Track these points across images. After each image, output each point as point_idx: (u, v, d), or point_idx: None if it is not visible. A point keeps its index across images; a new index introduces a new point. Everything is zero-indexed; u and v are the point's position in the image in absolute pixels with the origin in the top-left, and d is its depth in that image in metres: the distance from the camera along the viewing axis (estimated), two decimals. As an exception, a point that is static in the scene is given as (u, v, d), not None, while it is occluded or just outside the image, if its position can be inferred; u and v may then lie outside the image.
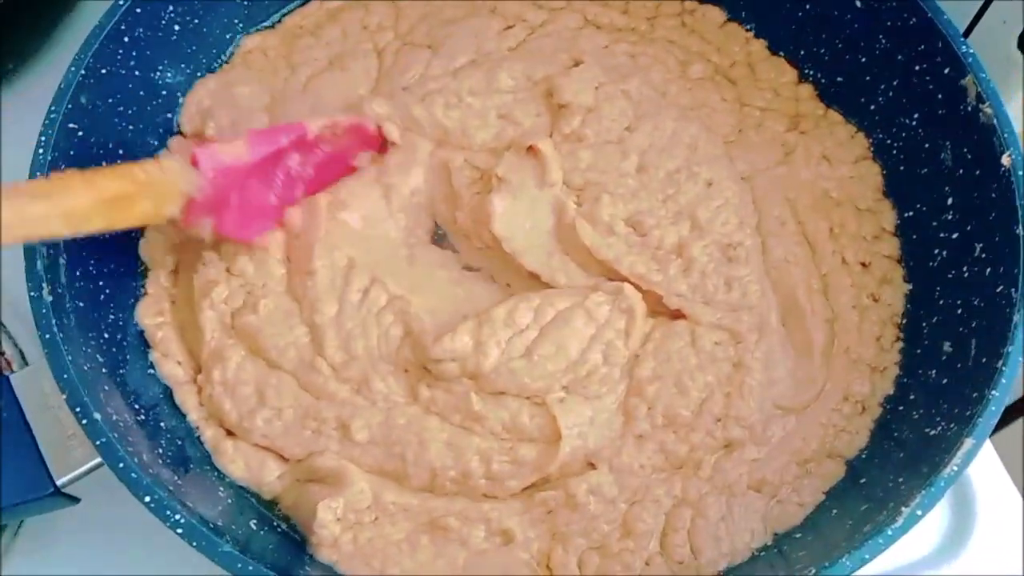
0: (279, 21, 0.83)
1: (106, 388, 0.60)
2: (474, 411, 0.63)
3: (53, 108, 0.64)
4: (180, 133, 0.76)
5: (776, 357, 0.67)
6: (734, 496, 0.62)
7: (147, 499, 0.53)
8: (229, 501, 0.62)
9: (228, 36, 0.80)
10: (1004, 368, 0.57)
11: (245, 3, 0.80)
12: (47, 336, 0.57)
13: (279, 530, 0.63)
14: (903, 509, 0.53)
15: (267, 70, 0.80)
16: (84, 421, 0.55)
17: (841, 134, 0.77)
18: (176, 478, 0.59)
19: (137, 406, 0.63)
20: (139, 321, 0.68)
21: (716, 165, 0.74)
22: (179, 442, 0.64)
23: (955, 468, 0.54)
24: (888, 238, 0.72)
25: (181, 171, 0.61)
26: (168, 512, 0.52)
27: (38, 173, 0.61)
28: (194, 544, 0.52)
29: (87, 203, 0.54)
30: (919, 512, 0.53)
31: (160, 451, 0.61)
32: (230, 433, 0.66)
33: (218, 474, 0.65)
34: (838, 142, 0.76)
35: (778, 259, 0.71)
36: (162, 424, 0.64)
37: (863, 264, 0.72)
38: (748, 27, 0.82)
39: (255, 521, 0.62)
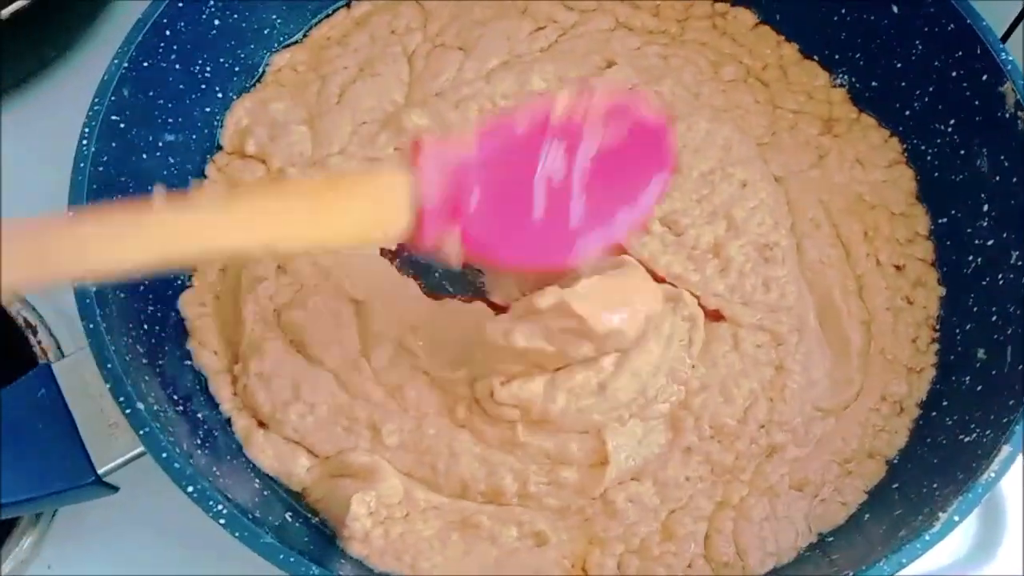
0: (307, 35, 0.83)
1: (146, 378, 0.60)
2: (519, 442, 0.63)
3: (97, 100, 0.64)
4: (220, 148, 0.77)
5: (815, 358, 0.67)
6: (777, 496, 0.62)
7: (190, 489, 0.53)
8: (265, 492, 0.63)
9: (266, 32, 0.81)
10: (1041, 376, 0.57)
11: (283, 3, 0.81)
12: (91, 326, 0.57)
13: (312, 523, 0.64)
14: (940, 515, 0.53)
15: (299, 85, 0.80)
16: (128, 411, 0.55)
17: (874, 138, 0.77)
18: (214, 468, 0.59)
19: (176, 396, 0.63)
20: (181, 310, 0.69)
21: (750, 166, 0.74)
22: (215, 433, 0.65)
23: (992, 475, 0.54)
24: (922, 241, 0.72)
25: (401, 178, 0.52)
26: (211, 502, 0.53)
27: (82, 164, 0.62)
28: (236, 534, 0.52)
29: (295, 221, 0.49)
30: (956, 518, 0.53)
31: (198, 441, 0.61)
32: (261, 424, 0.66)
33: (251, 466, 0.65)
34: (871, 146, 0.76)
35: (813, 260, 0.71)
36: (199, 415, 0.65)
37: (897, 267, 0.72)
38: (780, 30, 0.82)
39: (290, 514, 0.63)
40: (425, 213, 0.52)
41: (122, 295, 0.63)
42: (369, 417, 0.64)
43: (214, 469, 0.59)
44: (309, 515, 0.64)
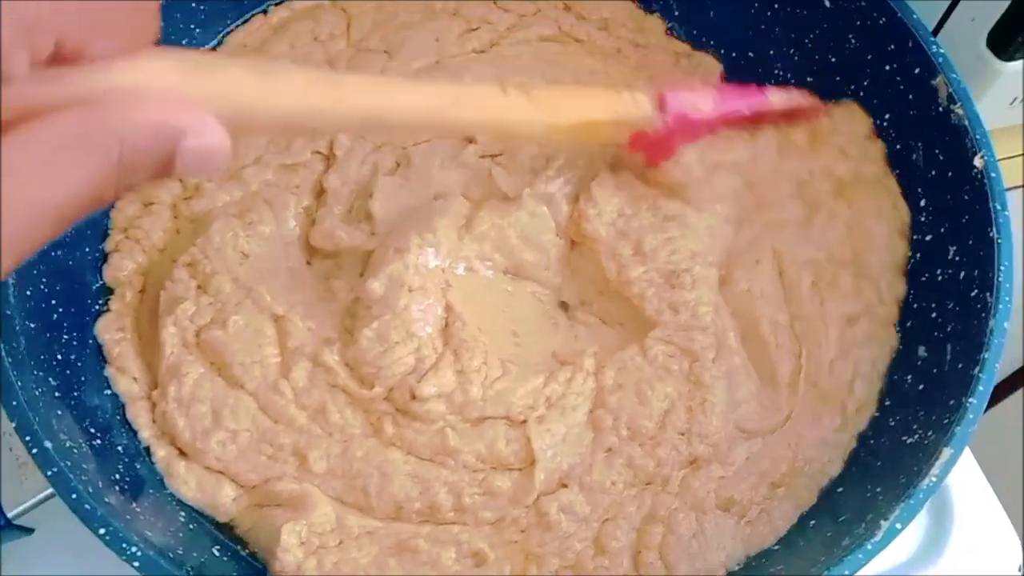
0: (221, 43, 0.80)
1: (59, 412, 0.58)
2: (450, 447, 0.61)
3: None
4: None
5: (739, 379, 0.65)
6: (704, 513, 0.61)
7: (101, 531, 0.50)
8: (191, 527, 0.60)
9: (183, 43, 0.78)
10: (981, 375, 0.56)
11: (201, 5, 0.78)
12: (-9, 362, 0.55)
13: (242, 555, 0.61)
14: (882, 522, 0.52)
15: None
16: (34, 450, 0.52)
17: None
18: (134, 504, 0.57)
19: (92, 429, 0.60)
20: (99, 336, 0.66)
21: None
22: (136, 465, 0.62)
23: (934, 479, 0.53)
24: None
25: (649, 108, 0.63)
26: (124, 544, 0.50)
27: None
28: (151, 577, 0.50)
29: (571, 121, 0.59)
30: (898, 525, 0.52)
31: (117, 476, 0.58)
32: (182, 454, 0.63)
33: (176, 499, 0.62)
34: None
35: (741, 290, 0.69)
36: (118, 447, 0.62)
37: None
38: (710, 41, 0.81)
39: (218, 547, 0.60)
40: (640, 137, 0.64)
41: (32, 326, 0.60)
42: (294, 443, 0.62)
43: (133, 506, 0.57)
44: (238, 547, 0.61)
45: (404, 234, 0.66)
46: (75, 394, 0.61)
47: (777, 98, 0.69)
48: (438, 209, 0.68)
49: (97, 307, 0.68)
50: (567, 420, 0.63)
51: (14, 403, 0.53)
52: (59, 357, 0.62)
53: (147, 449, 0.63)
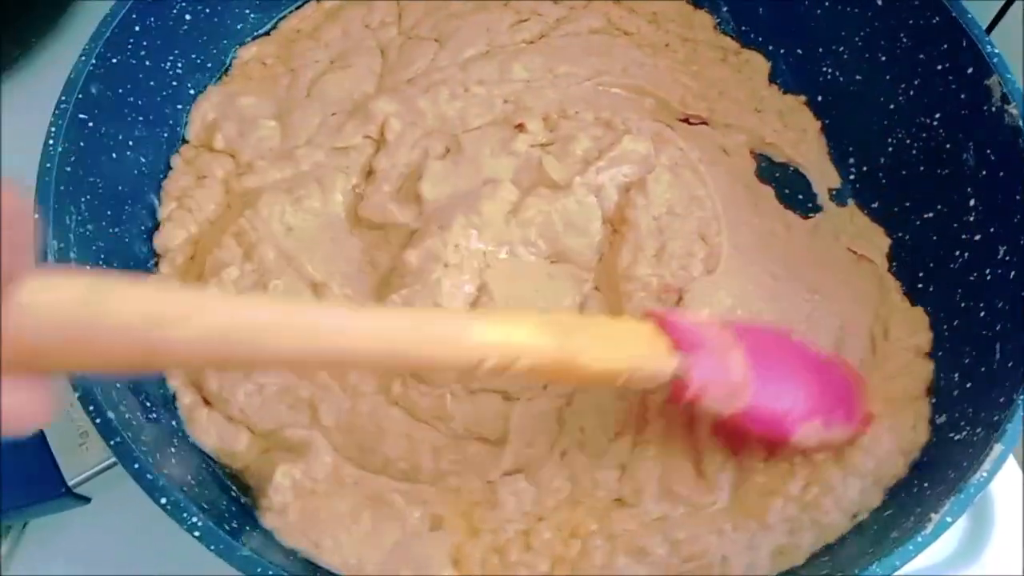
0: (276, 27, 0.81)
1: (117, 385, 0.59)
2: (446, 411, 0.63)
3: (64, 98, 0.62)
4: (186, 142, 0.75)
5: (675, 446, 0.63)
6: (614, 551, 0.59)
7: (163, 501, 0.51)
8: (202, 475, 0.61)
9: (239, 27, 0.79)
10: (1032, 373, 0.56)
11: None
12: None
13: (234, 496, 0.62)
14: (932, 515, 0.52)
15: (268, 78, 0.78)
16: (97, 420, 0.53)
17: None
18: (189, 478, 0.58)
19: (148, 403, 0.61)
20: None
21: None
22: (232, 494, 0.63)
23: (985, 474, 0.53)
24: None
25: (671, 363, 0.54)
26: (185, 515, 0.51)
27: (48, 165, 0.60)
28: (212, 548, 0.50)
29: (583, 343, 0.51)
30: (948, 519, 0.52)
31: (172, 450, 0.59)
32: (206, 403, 0.65)
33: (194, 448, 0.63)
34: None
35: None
36: (173, 423, 0.63)
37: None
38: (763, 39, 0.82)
39: (226, 499, 0.61)
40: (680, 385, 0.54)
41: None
42: (311, 397, 0.64)
43: (189, 479, 0.58)
44: (242, 494, 0.63)
45: (450, 214, 0.67)
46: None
47: (808, 435, 0.59)
48: (486, 193, 0.69)
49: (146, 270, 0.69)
50: (541, 406, 0.64)
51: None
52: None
53: (173, 396, 0.65)
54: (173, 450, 0.60)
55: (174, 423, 0.63)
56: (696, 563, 0.59)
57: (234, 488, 0.63)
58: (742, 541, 0.59)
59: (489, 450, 0.63)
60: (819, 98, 0.79)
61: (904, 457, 0.62)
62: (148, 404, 0.61)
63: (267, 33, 0.81)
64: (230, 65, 0.79)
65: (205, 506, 0.54)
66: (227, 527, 0.53)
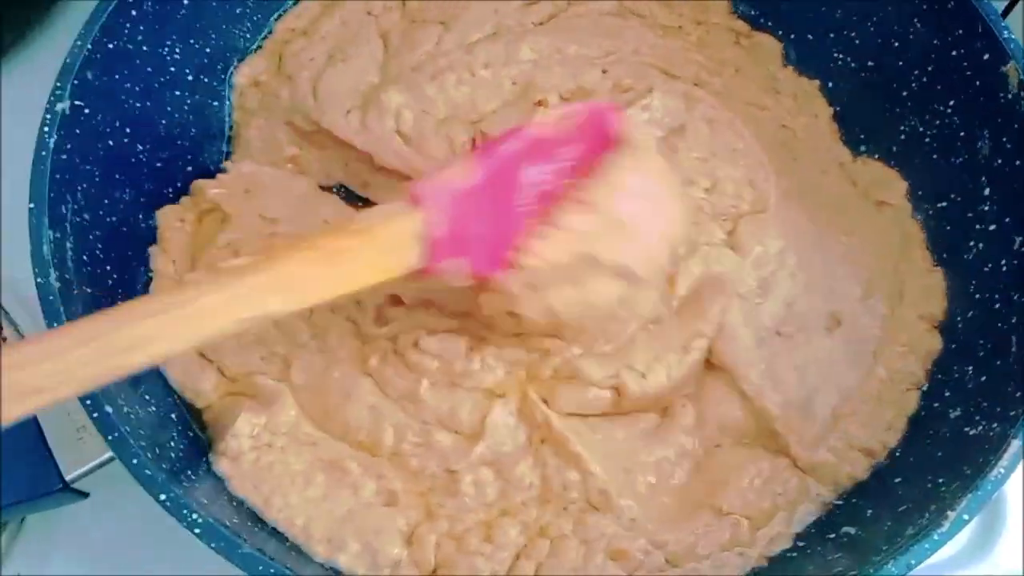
0: (270, 33, 0.80)
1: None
2: (417, 396, 0.62)
3: (59, 84, 0.61)
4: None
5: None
6: (591, 554, 0.59)
7: (162, 497, 0.50)
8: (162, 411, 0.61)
9: (237, 12, 0.77)
10: (1050, 366, 0.55)
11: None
12: (55, 325, 0.54)
13: (191, 435, 0.63)
14: (949, 513, 0.51)
15: (265, 99, 0.77)
16: (95, 414, 0.52)
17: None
18: (190, 472, 0.57)
19: (147, 397, 0.60)
20: (157, 219, 0.69)
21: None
22: (189, 433, 0.62)
23: (1003, 470, 0.52)
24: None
25: (406, 212, 0.53)
26: (185, 511, 0.50)
27: (43, 153, 0.59)
28: (212, 545, 0.49)
29: (303, 272, 0.49)
30: (966, 516, 0.51)
31: (172, 444, 0.58)
32: None
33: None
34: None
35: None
36: (172, 416, 0.62)
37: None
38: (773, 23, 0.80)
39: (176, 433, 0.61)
40: (436, 244, 0.53)
41: (89, 290, 0.60)
42: (286, 354, 0.64)
43: (189, 473, 0.57)
44: (199, 432, 0.63)
45: None
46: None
47: (542, 127, 0.57)
48: None
49: (146, 275, 0.68)
50: (511, 406, 0.63)
51: (75, 367, 0.53)
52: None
53: None
54: (140, 383, 0.60)
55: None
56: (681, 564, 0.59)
57: (194, 427, 0.63)
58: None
59: (457, 441, 0.62)
60: (830, 84, 0.78)
61: (869, 458, 0.63)
62: (147, 398, 0.60)
63: (259, 47, 0.80)
64: (231, 102, 0.78)
65: (157, 450, 0.54)
66: (177, 470, 0.54)
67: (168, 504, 0.50)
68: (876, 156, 0.75)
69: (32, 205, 0.57)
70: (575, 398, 0.63)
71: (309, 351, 0.64)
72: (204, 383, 0.64)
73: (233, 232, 0.68)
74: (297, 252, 0.50)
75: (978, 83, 0.67)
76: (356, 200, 0.75)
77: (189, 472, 0.57)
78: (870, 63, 0.75)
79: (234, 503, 0.58)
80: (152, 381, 0.62)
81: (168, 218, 0.70)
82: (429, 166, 0.69)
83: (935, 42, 0.69)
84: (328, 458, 0.61)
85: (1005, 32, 0.65)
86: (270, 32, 0.80)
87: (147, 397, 0.60)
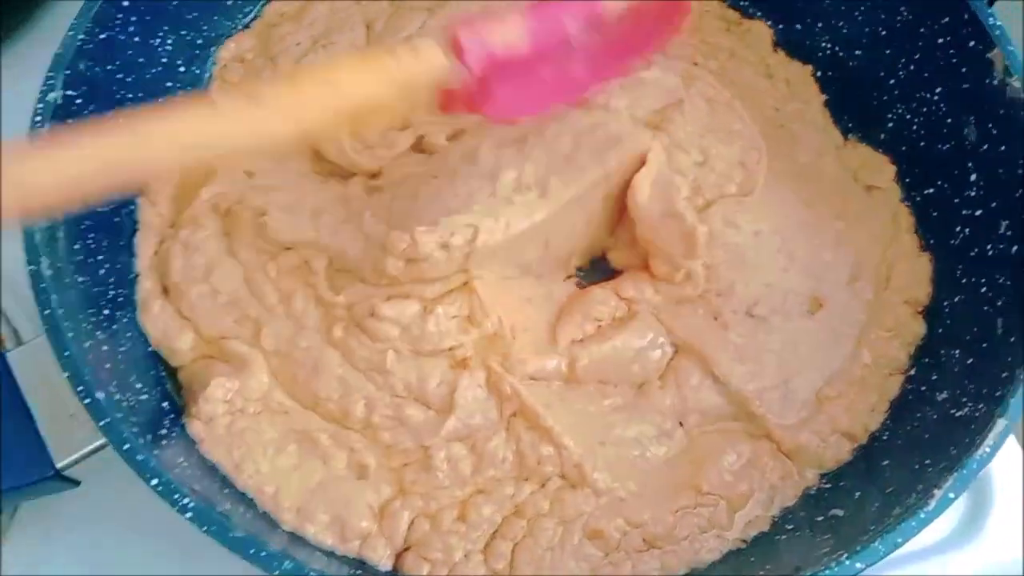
0: (260, 12, 0.80)
1: (107, 366, 0.58)
2: (384, 367, 0.62)
3: (51, 75, 0.61)
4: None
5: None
6: (569, 534, 0.59)
7: (154, 482, 0.50)
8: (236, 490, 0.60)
9: (228, 4, 0.77)
10: (1034, 347, 0.56)
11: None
12: (47, 312, 0.55)
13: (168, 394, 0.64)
14: (935, 491, 0.52)
15: (250, 73, 0.77)
16: (87, 400, 0.52)
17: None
18: (181, 459, 0.57)
19: (139, 384, 0.60)
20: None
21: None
22: (182, 424, 0.62)
23: (987, 450, 0.53)
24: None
25: (441, 59, 0.51)
26: (176, 496, 0.50)
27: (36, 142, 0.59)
28: (204, 529, 0.49)
29: (328, 104, 0.49)
30: (951, 495, 0.51)
31: (164, 431, 0.59)
32: (165, 291, 0.66)
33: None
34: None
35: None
36: (164, 404, 0.62)
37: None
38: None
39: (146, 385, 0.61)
40: (450, 94, 0.53)
41: (80, 279, 0.60)
42: (257, 317, 0.65)
43: (181, 460, 0.57)
44: (176, 394, 0.64)
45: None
46: (121, 349, 0.61)
47: (614, 6, 0.56)
48: None
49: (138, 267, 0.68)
50: (479, 379, 0.63)
51: (67, 353, 0.53)
52: (106, 312, 0.62)
53: (136, 277, 0.66)
54: (131, 371, 0.60)
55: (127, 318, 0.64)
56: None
57: (169, 385, 0.64)
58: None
59: (428, 415, 0.62)
60: (819, 73, 0.78)
61: (851, 442, 0.64)
62: (139, 385, 0.60)
63: (248, 25, 0.79)
64: (210, 71, 0.77)
65: (149, 436, 0.55)
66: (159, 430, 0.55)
67: (160, 488, 0.50)
68: (865, 143, 0.75)
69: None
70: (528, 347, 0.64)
71: (277, 317, 0.64)
72: (180, 342, 0.64)
73: (218, 186, 0.68)
74: (322, 90, 0.49)
75: (964, 70, 0.67)
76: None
77: (168, 434, 0.58)
78: (858, 52, 0.76)
79: (207, 469, 0.59)
80: (142, 368, 0.63)
81: None
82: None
83: (921, 30, 0.70)
84: (300, 429, 0.61)
85: (990, 19, 0.65)
86: (259, 15, 0.80)
87: (139, 385, 0.60)
